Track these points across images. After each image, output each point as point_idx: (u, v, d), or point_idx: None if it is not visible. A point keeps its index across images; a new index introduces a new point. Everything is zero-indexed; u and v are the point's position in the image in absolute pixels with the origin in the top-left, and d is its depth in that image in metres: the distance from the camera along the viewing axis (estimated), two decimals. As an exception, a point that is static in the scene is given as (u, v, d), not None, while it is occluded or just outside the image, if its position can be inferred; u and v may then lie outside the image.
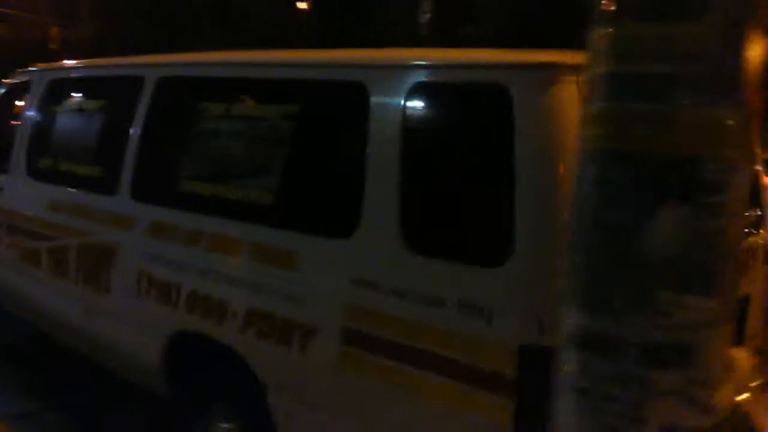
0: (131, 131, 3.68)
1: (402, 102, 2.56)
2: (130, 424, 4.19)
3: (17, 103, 5.04)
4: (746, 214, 2.32)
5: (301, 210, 2.90)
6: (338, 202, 2.77)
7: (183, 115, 3.55)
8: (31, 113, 4.64)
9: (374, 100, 2.65)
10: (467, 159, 2.45)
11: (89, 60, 4.74)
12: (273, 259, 2.90)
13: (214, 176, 3.29)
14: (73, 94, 4.37)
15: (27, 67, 4.96)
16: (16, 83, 5.13)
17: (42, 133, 4.54)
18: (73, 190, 4.13)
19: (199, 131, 3.45)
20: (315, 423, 2.82)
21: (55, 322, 4.34)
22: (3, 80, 5.17)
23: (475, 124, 2.46)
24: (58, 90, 4.54)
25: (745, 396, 2.56)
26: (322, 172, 2.84)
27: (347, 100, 2.80)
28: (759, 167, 2.85)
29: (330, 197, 2.81)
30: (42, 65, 4.82)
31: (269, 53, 3.43)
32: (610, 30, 1.34)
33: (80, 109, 4.29)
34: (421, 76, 2.58)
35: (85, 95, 4.27)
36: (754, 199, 2.90)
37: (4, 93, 5.18)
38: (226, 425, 3.21)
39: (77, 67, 4.63)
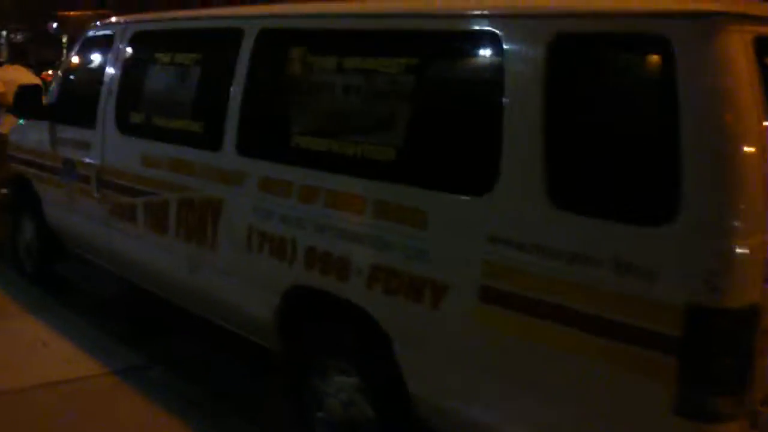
0: (233, 86, 3.63)
1: (545, 52, 2.47)
2: (237, 377, 4.28)
3: (95, 57, 5.03)
4: None
5: (431, 166, 2.84)
6: (473, 158, 2.71)
7: (292, 69, 3.49)
8: (116, 68, 4.61)
9: (512, 49, 2.57)
10: (623, 112, 2.37)
11: (176, 12, 4.65)
12: (400, 217, 2.87)
13: (332, 132, 3.24)
14: (164, 48, 4.32)
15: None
16: (94, 36, 5.10)
17: (131, 88, 4.52)
18: (170, 145, 4.12)
19: (312, 86, 3.40)
20: (445, 374, 2.83)
21: (154, 276, 4.40)
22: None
23: (633, 76, 2.37)
24: (146, 43, 4.50)
25: None
26: (454, 127, 2.78)
27: (482, 50, 2.73)
28: None
29: (463, 153, 2.76)
30: (125, 17, 4.77)
31: (388, 3, 3.33)
32: None
33: (173, 63, 4.23)
34: (565, 26, 2.49)
35: (178, 48, 4.20)
36: None
37: (80, 47, 5.15)
38: (342, 378, 3.24)
39: (166, 20, 4.56)
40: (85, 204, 4.92)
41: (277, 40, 3.55)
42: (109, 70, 4.68)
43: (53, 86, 5.32)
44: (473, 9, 2.78)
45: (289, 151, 3.40)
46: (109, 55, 4.71)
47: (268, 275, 3.50)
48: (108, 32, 4.83)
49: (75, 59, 5.20)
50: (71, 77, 5.31)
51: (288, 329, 3.50)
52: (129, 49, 4.55)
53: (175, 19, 4.52)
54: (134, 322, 5.11)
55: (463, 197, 2.70)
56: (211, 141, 3.79)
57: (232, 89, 3.65)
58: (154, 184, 4.22)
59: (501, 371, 2.66)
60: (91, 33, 5.14)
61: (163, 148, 4.17)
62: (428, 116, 2.89)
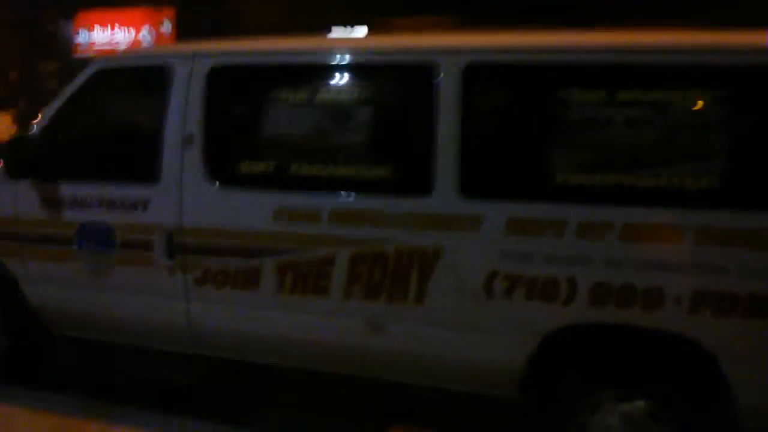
0: (440, 125, 3.38)
1: None
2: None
3: (130, 96, 4.11)
4: None
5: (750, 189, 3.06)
6: None
7: (533, 106, 3.36)
8: (194, 109, 3.82)
9: None
10: None
11: (291, 41, 3.92)
12: (727, 240, 3.04)
13: (614, 165, 3.23)
14: (297, 85, 3.72)
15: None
16: (120, 69, 4.14)
17: (234, 132, 3.83)
18: (328, 194, 3.60)
19: (566, 122, 3.33)
20: None
21: (295, 347, 3.79)
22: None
23: None
24: (245, 79, 3.83)
25: None
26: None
27: None
28: None
29: None
30: (192, 47, 3.96)
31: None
32: None
33: (316, 102, 3.69)
34: None
35: (326, 86, 3.70)
36: None
37: (92, 83, 4.11)
38: (628, 405, 3.28)
39: (280, 52, 3.88)
40: (133, 275, 3.99)
41: (500, 76, 3.41)
42: (178, 112, 3.85)
43: (40, 133, 4.14)
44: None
45: (551, 189, 3.29)
46: (173, 94, 3.88)
47: (523, 321, 3.34)
48: (157, 63, 3.96)
49: (87, 99, 4.12)
50: (84, 122, 4.20)
51: (542, 373, 3.39)
52: (217, 86, 3.80)
53: (305, 51, 3.87)
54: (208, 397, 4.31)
55: None
56: (412, 185, 3.46)
57: (440, 128, 3.39)
58: (299, 240, 3.65)
59: None
60: (109, 65, 4.13)
61: (315, 198, 3.63)
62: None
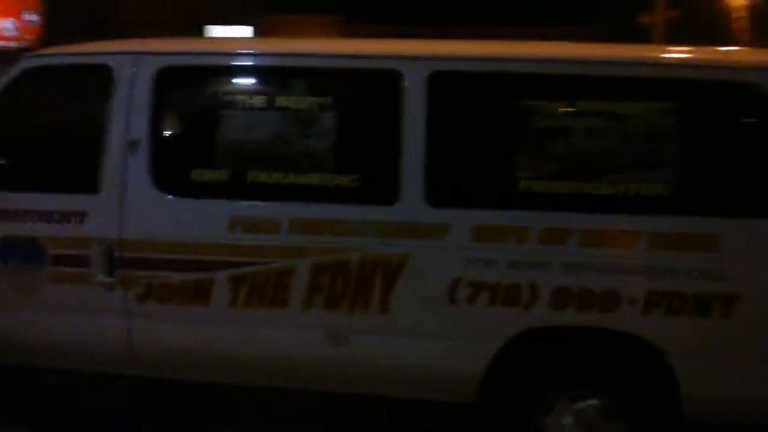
0: (406, 133, 3.41)
1: None
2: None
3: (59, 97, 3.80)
4: None
5: (718, 197, 3.32)
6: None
7: (496, 114, 3.47)
8: (142, 113, 3.59)
9: None
10: None
11: (247, 42, 3.72)
12: (685, 245, 3.28)
13: (580, 173, 3.39)
14: (244, 88, 3.61)
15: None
16: (48, 68, 3.81)
17: (185, 138, 3.65)
18: (288, 204, 3.52)
19: (533, 130, 3.45)
20: (724, 375, 3.36)
21: (242, 362, 3.65)
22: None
23: None
24: (196, 82, 3.66)
25: None
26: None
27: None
28: None
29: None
30: (137, 46, 3.71)
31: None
32: None
33: (273, 107, 3.56)
34: None
35: (285, 91, 3.61)
36: None
37: (14, 84, 3.76)
38: (583, 404, 3.46)
39: (235, 53, 3.73)
40: (66, 293, 3.70)
41: (464, 85, 3.47)
42: (121, 116, 3.61)
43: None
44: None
45: (515, 197, 3.40)
46: (115, 96, 3.62)
47: (486, 326, 3.43)
48: (98, 63, 3.68)
49: (12, 100, 3.74)
50: (9, 125, 3.80)
51: (500, 376, 3.49)
52: (165, 89, 3.60)
53: (256, 53, 3.75)
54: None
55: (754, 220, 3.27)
56: (378, 194, 3.46)
57: (405, 136, 3.41)
58: (256, 251, 3.53)
59: None
60: (40, 63, 3.78)
61: (274, 207, 3.53)
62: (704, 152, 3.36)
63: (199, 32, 12.49)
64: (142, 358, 3.77)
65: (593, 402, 3.46)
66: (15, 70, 3.78)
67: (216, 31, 14.28)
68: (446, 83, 3.45)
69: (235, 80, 3.71)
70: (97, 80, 3.67)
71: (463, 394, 3.57)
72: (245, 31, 13.25)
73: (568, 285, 3.35)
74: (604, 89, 3.41)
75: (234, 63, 3.73)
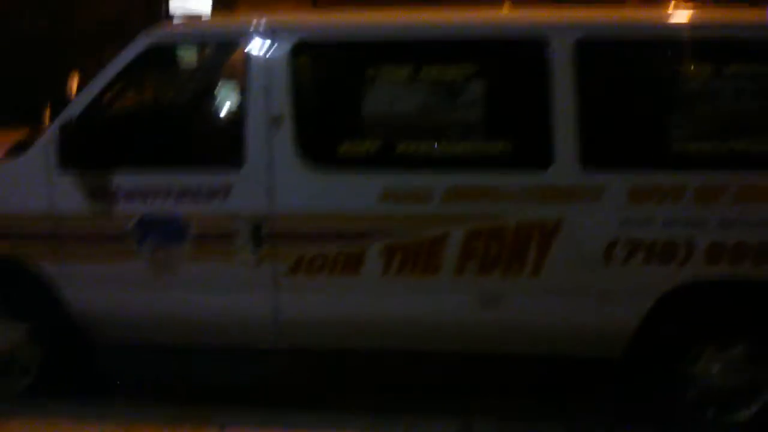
0: (558, 98, 3.43)
1: None
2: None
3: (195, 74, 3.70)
4: None
5: None
6: None
7: (650, 77, 3.52)
8: (284, 88, 3.51)
9: None
10: None
11: (391, 15, 3.65)
12: None
13: (727, 133, 3.45)
14: (391, 61, 3.56)
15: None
16: (177, 44, 3.70)
17: (333, 112, 3.59)
18: (435, 173, 3.53)
19: (684, 92, 3.51)
20: None
21: (398, 327, 3.70)
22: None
23: None
24: (342, 56, 3.61)
25: None
26: None
27: None
28: None
29: None
30: (275, 20, 3.61)
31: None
32: None
33: (415, 78, 3.52)
34: None
35: (414, 61, 3.55)
36: None
37: (143, 61, 3.62)
38: (733, 350, 3.58)
39: (380, 25, 3.68)
40: (208, 269, 3.68)
41: (614, 51, 3.50)
42: (264, 91, 3.53)
43: (81, 117, 3.59)
44: None
45: (671, 158, 3.48)
46: (256, 71, 3.55)
47: (640, 283, 3.53)
48: (228, 40, 3.58)
49: (140, 77, 3.63)
50: (142, 103, 3.69)
51: (650, 331, 3.60)
52: (308, 63, 3.54)
53: (420, 26, 3.68)
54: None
55: None
56: (532, 159, 3.49)
57: (557, 101, 3.43)
58: (409, 221, 3.55)
59: None
60: (165, 40, 3.65)
61: (427, 177, 3.53)
62: None
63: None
64: (288, 330, 3.79)
65: (741, 348, 3.60)
66: (136, 47, 3.66)
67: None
68: (594, 48, 3.47)
69: (380, 53, 3.64)
70: (233, 55, 3.59)
71: (611, 350, 3.68)
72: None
73: (722, 240, 3.46)
74: (757, 51, 3.48)
75: (379, 35, 3.66)
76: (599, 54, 3.50)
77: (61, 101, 3.63)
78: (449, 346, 3.79)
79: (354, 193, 3.58)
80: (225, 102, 3.60)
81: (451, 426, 3.62)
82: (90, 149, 3.60)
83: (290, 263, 3.65)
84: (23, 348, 3.88)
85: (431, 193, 3.54)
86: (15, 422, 3.60)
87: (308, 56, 3.59)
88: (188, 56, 3.71)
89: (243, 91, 3.58)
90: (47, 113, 3.59)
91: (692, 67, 3.54)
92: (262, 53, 3.57)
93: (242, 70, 3.56)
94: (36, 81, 8.95)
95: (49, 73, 7.41)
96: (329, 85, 3.70)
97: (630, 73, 3.55)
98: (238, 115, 3.58)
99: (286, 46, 3.57)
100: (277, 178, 3.58)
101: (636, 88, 3.55)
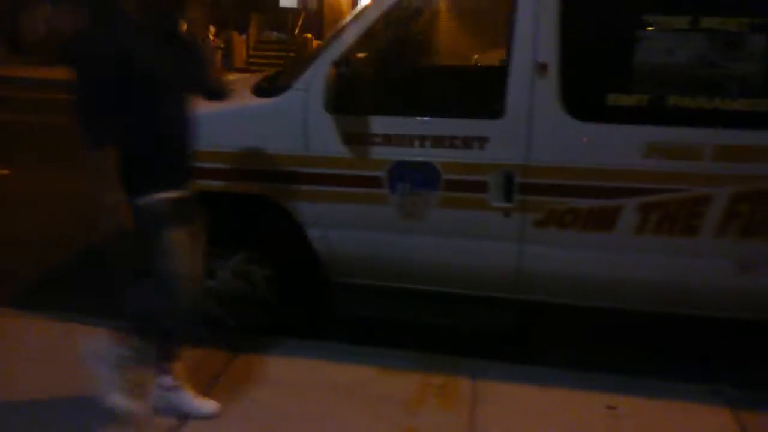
0: None
1: None
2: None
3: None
4: None
5: None
6: None
7: None
8: (550, 35, 3.47)
9: None
10: None
11: None
12: None
13: None
14: (662, 8, 3.41)
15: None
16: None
17: (600, 61, 3.51)
18: (710, 128, 3.41)
19: None
20: None
21: (651, 287, 3.65)
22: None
23: None
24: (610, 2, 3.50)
25: None
26: None
27: None
28: None
29: None
30: None
31: None
32: None
33: (690, 28, 3.37)
34: None
35: (689, 10, 3.39)
36: None
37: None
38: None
39: None
40: (456, 218, 3.71)
41: None
42: (528, 38, 3.49)
43: (340, 63, 3.65)
44: None
45: None
46: (520, 17, 3.50)
47: None
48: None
49: (397, 24, 3.66)
50: (398, 50, 3.74)
51: None
52: (577, 8, 3.46)
53: None
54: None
55: None
56: None
57: None
58: (673, 179, 3.47)
59: None
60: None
61: (698, 133, 3.43)
62: None
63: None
64: (530, 282, 3.80)
65: None
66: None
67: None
68: None
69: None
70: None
71: None
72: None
73: None
74: None
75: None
76: None
77: None
78: (702, 309, 3.70)
79: (615, 147, 3.51)
80: (487, 50, 3.56)
81: (702, 389, 3.57)
82: (351, 93, 3.65)
83: (540, 215, 3.64)
84: (268, 285, 4.06)
85: (701, 151, 3.44)
86: (256, 358, 3.75)
87: (579, 3, 3.50)
88: (450, 2, 3.69)
89: (508, 39, 3.54)
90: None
91: None
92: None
93: (509, 17, 3.51)
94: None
95: None
96: (599, 31, 3.57)
97: None
98: (500, 64, 3.55)
99: (558, -6, 3.50)
100: (536, 128, 3.56)
101: None
